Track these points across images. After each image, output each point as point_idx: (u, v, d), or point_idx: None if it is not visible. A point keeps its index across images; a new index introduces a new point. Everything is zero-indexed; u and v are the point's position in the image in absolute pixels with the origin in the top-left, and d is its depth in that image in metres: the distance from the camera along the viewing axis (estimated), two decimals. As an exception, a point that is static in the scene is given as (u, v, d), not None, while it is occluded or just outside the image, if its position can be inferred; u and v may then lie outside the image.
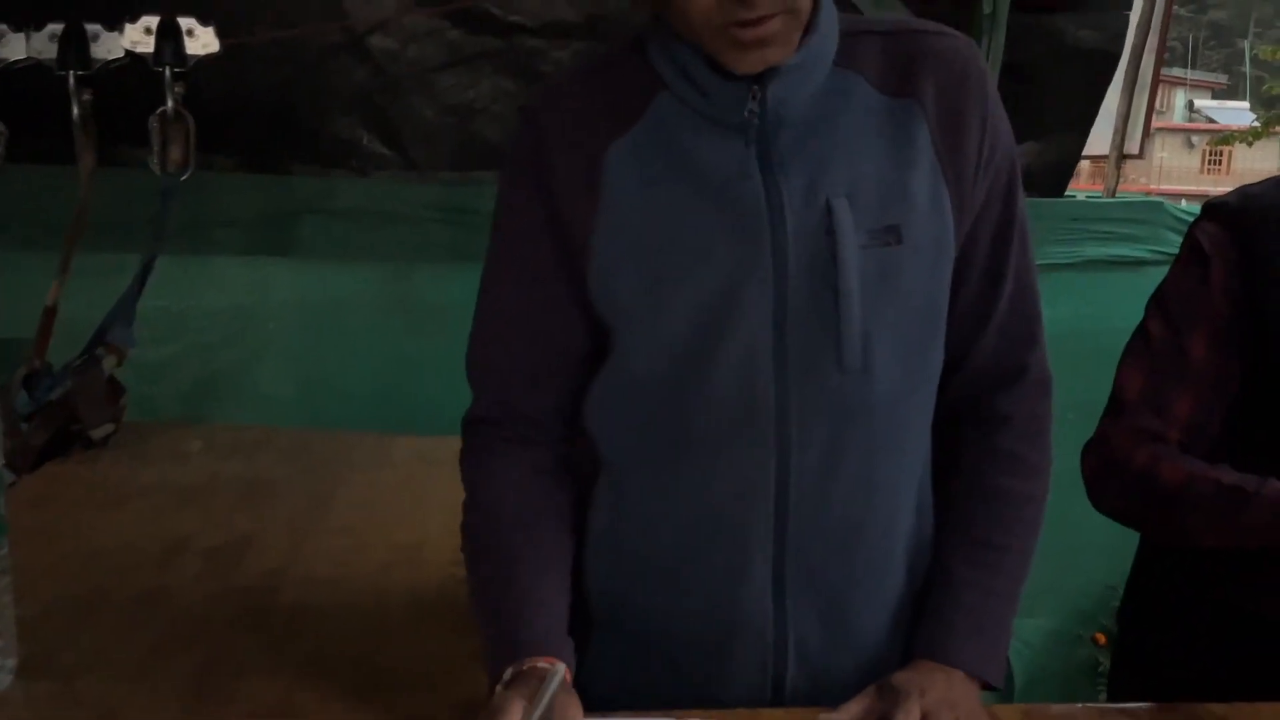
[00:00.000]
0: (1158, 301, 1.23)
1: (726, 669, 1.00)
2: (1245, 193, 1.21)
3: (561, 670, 0.86)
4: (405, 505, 1.58)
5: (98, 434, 1.78)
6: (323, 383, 2.24)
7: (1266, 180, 1.22)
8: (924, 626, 0.99)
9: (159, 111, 1.79)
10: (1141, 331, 1.23)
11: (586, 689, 1.03)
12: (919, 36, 0.95)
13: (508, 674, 0.89)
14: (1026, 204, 1.00)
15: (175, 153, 1.78)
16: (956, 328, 0.99)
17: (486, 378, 1.03)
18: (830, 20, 0.93)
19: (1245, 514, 1.08)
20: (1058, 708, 1.03)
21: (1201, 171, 29.98)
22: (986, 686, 0.98)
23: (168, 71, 1.78)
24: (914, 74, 0.93)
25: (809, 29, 0.90)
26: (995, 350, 1.01)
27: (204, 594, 1.23)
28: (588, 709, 0.94)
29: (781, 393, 0.92)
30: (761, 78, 0.89)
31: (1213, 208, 1.21)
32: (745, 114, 0.90)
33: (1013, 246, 0.98)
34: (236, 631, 1.13)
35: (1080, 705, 1.03)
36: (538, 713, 0.81)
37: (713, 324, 0.91)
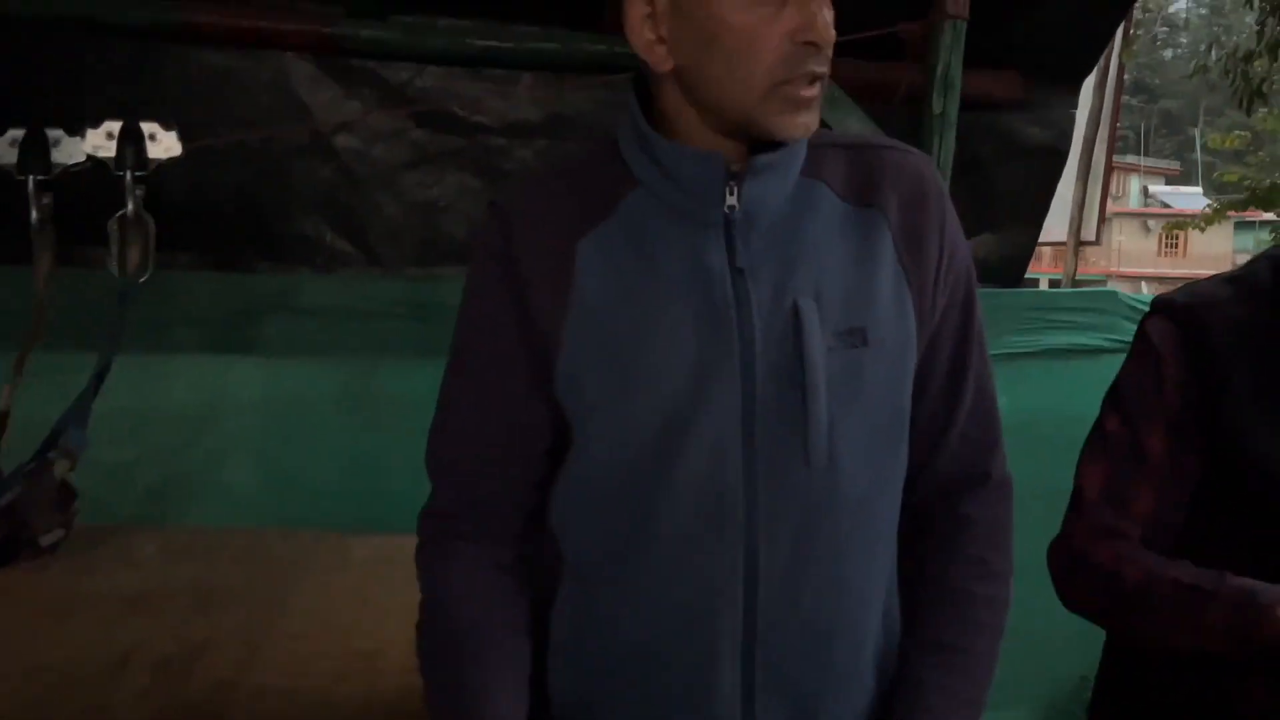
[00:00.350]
0: (1113, 398, 1.25)
1: None
2: (1192, 290, 1.24)
3: None
4: (362, 610, 1.54)
5: (46, 540, 1.73)
6: (284, 481, 2.21)
7: (1213, 278, 1.25)
8: None
9: (118, 215, 1.79)
10: (1099, 428, 1.25)
11: None
12: (881, 151, 0.99)
13: None
14: (984, 295, 1.03)
15: (134, 255, 1.78)
16: (920, 435, 1.01)
17: (447, 469, 1.02)
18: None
19: (1205, 613, 1.07)
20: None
21: (1159, 254, 30.72)
22: None
23: (128, 175, 1.78)
24: (877, 186, 0.96)
25: None
26: (958, 456, 1.03)
27: (149, 711, 1.19)
28: None
29: (750, 490, 0.92)
30: (739, 175, 0.92)
31: (1162, 304, 1.24)
32: (725, 209, 0.92)
33: (972, 355, 1.01)
34: (180, 751, 1.09)
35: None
36: None
37: (680, 420, 0.91)
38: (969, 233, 1.05)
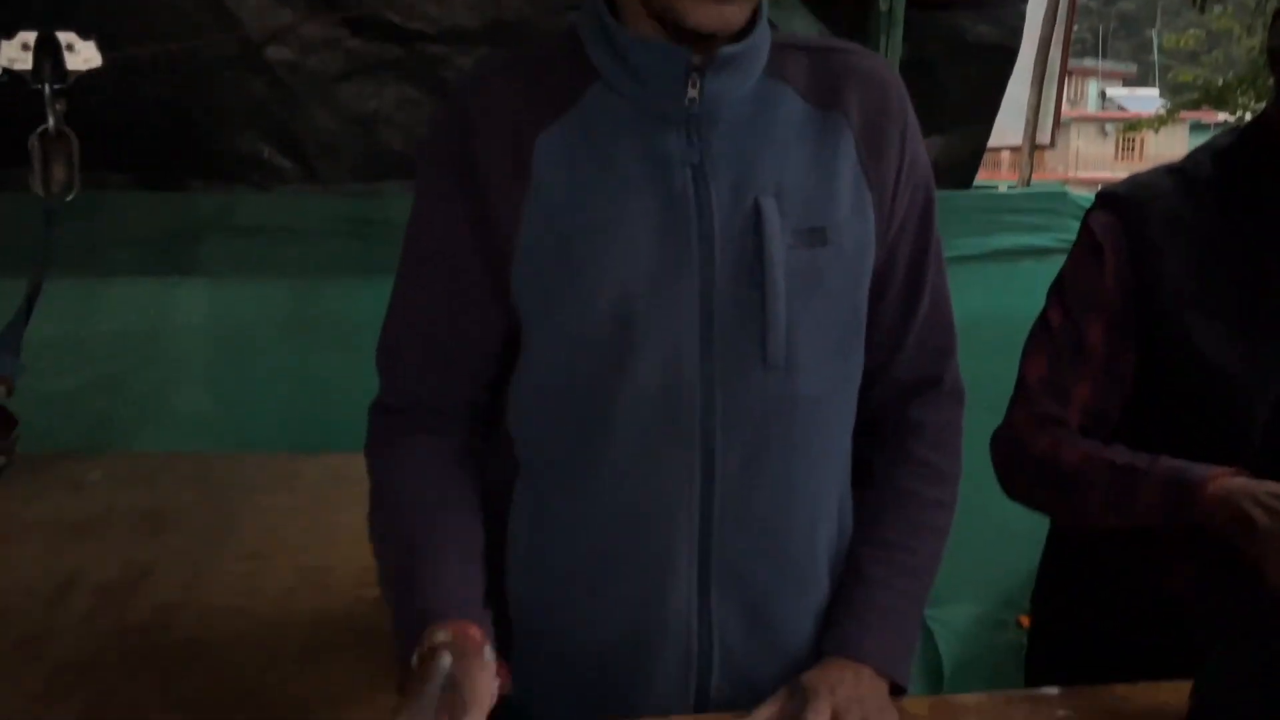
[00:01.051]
0: (1057, 290, 1.25)
1: (650, 676, 0.99)
2: (1135, 181, 1.24)
3: (446, 664, 0.82)
4: (313, 527, 1.54)
5: (-13, 468, 1.70)
6: (229, 405, 2.18)
7: (1157, 168, 1.25)
8: (834, 625, 1.00)
9: (39, 131, 1.72)
10: (1042, 320, 1.26)
11: (508, 700, 1.02)
12: (844, 55, 0.98)
13: (414, 657, 0.85)
14: (935, 196, 1.03)
15: (59, 173, 1.72)
16: (875, 340, 1.02)
17: (396, 365, 1.01)
18: (764, 28, 0.94)
19: (1139, 492, 1.10)
20: (964, 697, 1.02)
21: (1116, 158, 30.85)
22: (895, 689, 0.98)
23: (47, 89, 1.71)
24: (840, 89, 0.96)
25: (751, 24, 0.91)
26: (912, 362, 1.04)
27: (94, 633, 1.18)
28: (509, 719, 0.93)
29: (707, 391, 0.92)
30: (701, 68, 0.90)
31: (1105, 196, 1.24)
32: (685, 102, 0.91)
33: (929, 263, 1.02)
34: (127, 671, 1.08)
35: (986, 694, 1.03)
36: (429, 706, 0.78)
37: (637, 320, 0.91)
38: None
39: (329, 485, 1.73)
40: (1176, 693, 0.99)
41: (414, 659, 0.85)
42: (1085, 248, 1.23)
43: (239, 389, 2.18)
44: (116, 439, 2.14)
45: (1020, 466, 1.23)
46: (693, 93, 0.91)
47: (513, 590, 1.01)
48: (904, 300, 1.02)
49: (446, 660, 0.81)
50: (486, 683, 0.83)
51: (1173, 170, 1.22)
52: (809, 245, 0.93)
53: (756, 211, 0.91)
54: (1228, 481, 1.04)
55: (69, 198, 1.75)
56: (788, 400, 0.95)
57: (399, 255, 1.01)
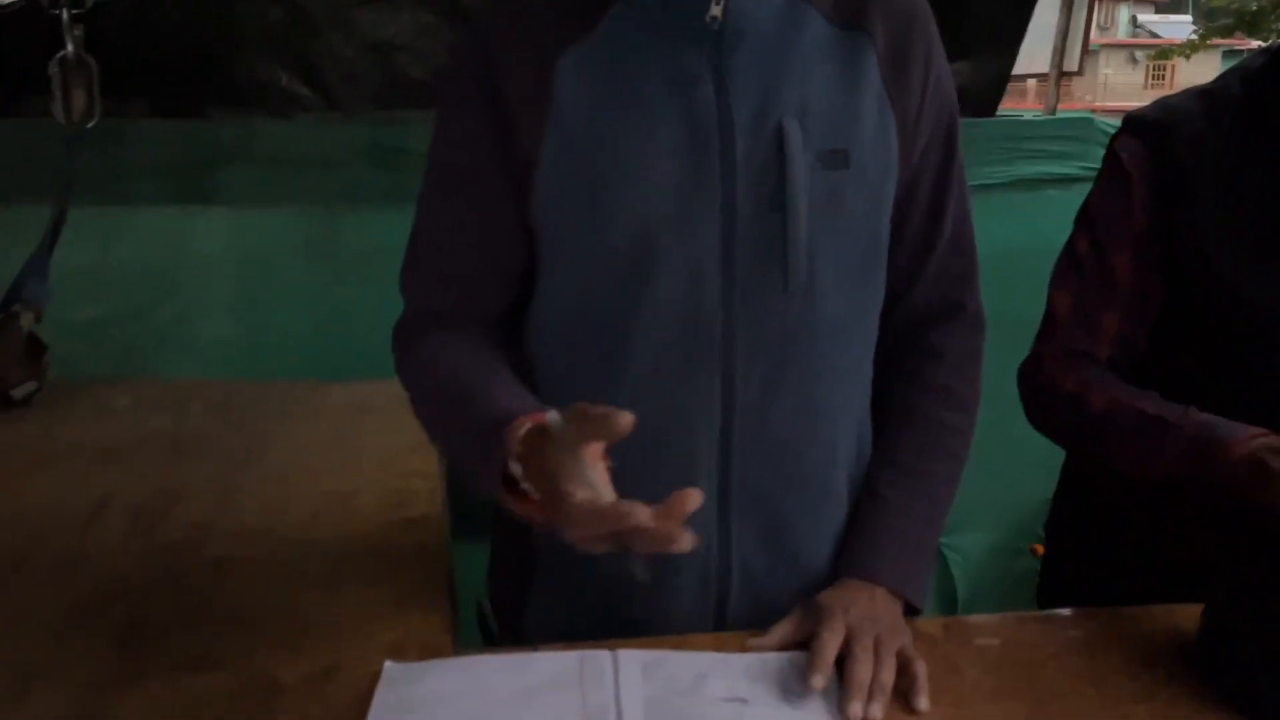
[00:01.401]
0: (1083, 219, 1.24)
1: (670, 595, 1.01)
2: (1164, 105, 1.22)
3: (558, 418, 0.79)
4: (338, 453, 1.56)
5: (19, 393, 1.73)
6: (253, 334, 2.20)
7: (1186, 91, 1.23)
8: (850, 545, 1.02)
9: (58, 57, 1.71)
10: (1069, 250, 1.25)
11: (529, 627, 1.05)
12: None
13: (504, 456, 0.82)
14: (959, 120, 1.02)
15: (79, 100, 1.72)
16: (898, 266, 1.02)
17: (420, 283, 1.03)
18: None
19: (1165, 444, 1.10)
20: (978, 618, 1.04)
21: (1145, 87, 30.09)
22: (910, 610, 1.00)
23: (65, 14, 1.70)
24: (865, 10, 0.95)
25: None
26: (934, 288, 1.05)
27: (127, 552, 1.21)
28: (531, 644, 0.97)
29: (727, 313, 0.93)
30: None
31: (1131, 121, 1.22)
32: (708, 19, 0.90)
33: (953, 188, 1.02)
34: (159, 588, 1.12)
35: (999, 615, 1.05)
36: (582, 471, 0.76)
37: (659, 241, 0.91)
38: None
39: (354, 412, 1.75)
40: (1189, 616, 1.01)
41: (505, 458, 0.82)
42: (1111, 175, 1.21)
43: (262, 318, 2.19)
44: (142, 366, 2.17)
45: (1048, 403, 1.23)
46: (716, 10, 0.90)
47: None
48: (926, 225, 1.02)
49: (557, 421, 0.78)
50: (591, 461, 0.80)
51: (1201, 93, 1.19)
52: (832, 167, 0.93)
53: (779, 133, 0.91)
54: (1255, 442, 1.02)
55: (90, 124, 1.75)
56: (808, 323, 0.95)
57: (418, 183, 1.01)
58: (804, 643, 0.93)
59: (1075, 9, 3.40)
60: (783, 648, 0.94)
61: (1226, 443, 1.04)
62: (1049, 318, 1.24)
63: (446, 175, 0.99)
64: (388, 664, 0.91)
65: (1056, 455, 1.38)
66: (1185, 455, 1.08)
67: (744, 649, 0.95)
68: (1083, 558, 1.34)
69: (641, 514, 0.72)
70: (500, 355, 1.00)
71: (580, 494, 0.75)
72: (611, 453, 0.98)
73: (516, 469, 0.82)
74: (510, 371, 0.97)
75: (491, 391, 0.90)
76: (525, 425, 0.82)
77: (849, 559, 1.01)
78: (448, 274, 1.01)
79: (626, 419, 0.75)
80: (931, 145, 1.00)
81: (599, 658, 0.90)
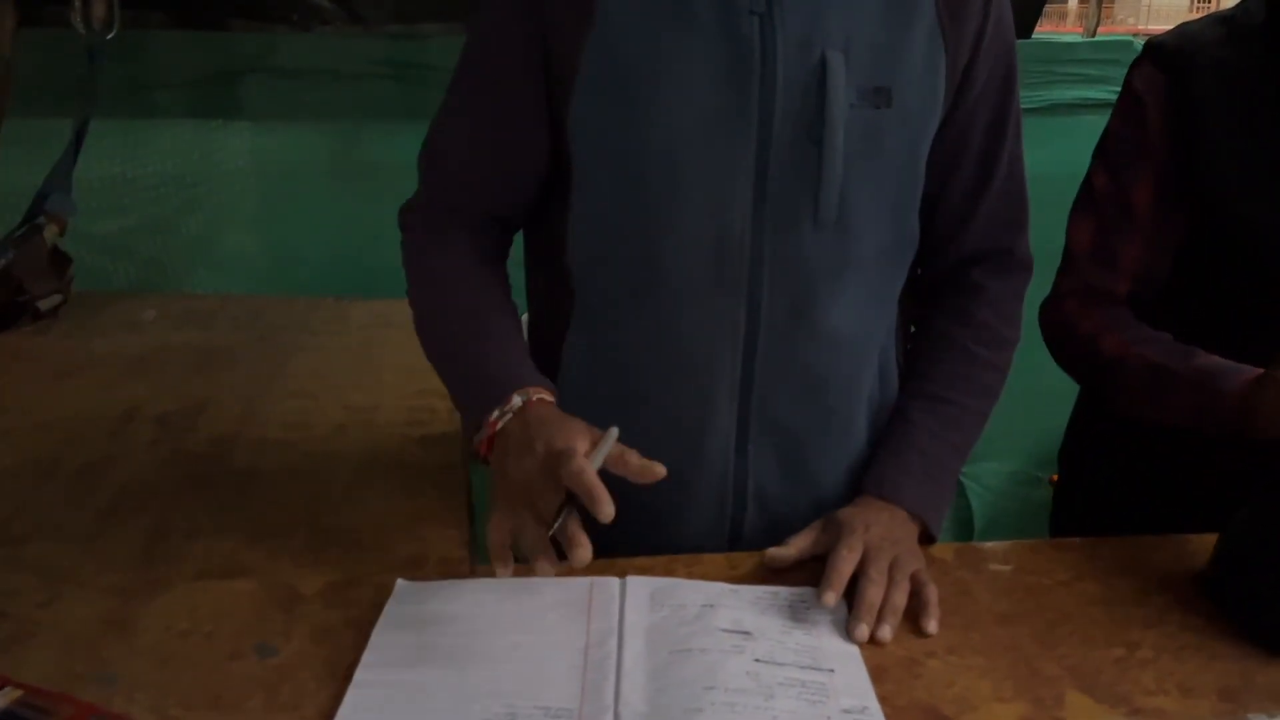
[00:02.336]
0: (1100, 151, 1.21)
1: (688, 511, 1.03)
2: (1182, 31, 1.18)
3: (615, 433, 0.87)
4: (361, 368, 1.58)
5: (46, 305, 1.75)
6: (276, 249, 2.21)
7: (1209, 15, 1.18)
8: (875, 465, 1.03)
9: (77, -35, 1.70)
10: (1087, 183, 1.22)
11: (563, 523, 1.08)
12: None
13: (500, 414, 0.89)
14: (1018, 65, 1.00)
15: (99, 9, 1.70)
16: (947, 209, 1.01)
17: (437, 169, 1.03)
18: None
19: (1168, 393, 1.09)
20: (990, 545, 1.05)
21: (1191, 9, 29.15)
22: (925, 538, 1.00)
23: (83, -78, 1.68)
24: None
25: None
26: (983, 234, 1.04)
27: (155, 460, 1.23)
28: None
29: (756, 242, 0.93)
30: None
31: (1150, 48, 1.18)
32: None
33: (1008, 135, 1.00)
34: (186, 496, 1.14)
35: (1011, 542, 1.06)
36: (600, 455, 0.83)
37: (691, 164, 0.91)
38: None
39: (377, 328, 1.76)
40: (1202, 545, 1.01)
41: (497, 417, 0.89)
42: (1128, 104, 1.18)
43: (284, 233, 2.20)
44: (166, 280, 2.19)
45: (1065, 343, 1.22)
46: None
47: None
48: (978, 171, 1.00)
49: (612, 437, 0.86)
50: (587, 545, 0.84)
51: (1223, 19, 1.15)
52: (873, 105, 0.91)
53: (822, 66, 0.89)
54: (1246, 381, 1.01)
55: (110, 35, 1.74)
56: (837, 258, 0.95)
57: (439, 98, 1.00)
58: (821, 557, 0.94)
59: (1119, -73, 3.27)
60: (800, 559, 0.95)
61: (1228, 393, 1.02)
62: (1067, 254, 1.22)
63: (477, 73, 0.98)
64: (399, 581, 0.93)
65: (1074, 386, 1.37)
66: (1188, 406, 1.07)
67: (763, 560, 0.96)
68: (1096, 487, 1.34)
69: (606, 510, 0.79)
70: (499, 277, 1.03)
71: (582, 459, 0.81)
72: (638, 369, 1.00)
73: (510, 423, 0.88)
74: (508, 305, 1.00)
75: (494, 344, 0.95)
76: (538, 395, 0.90)
77: (873, 478, 1.01)
78: (465, 164, 1.01)
79: (656, 474, 0.84)
80: (987, 90, 0.97)
81: (608, 584, 0.91)
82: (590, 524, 1.06)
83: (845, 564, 0.90)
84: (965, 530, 2.59)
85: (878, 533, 0.94)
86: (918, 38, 0.92)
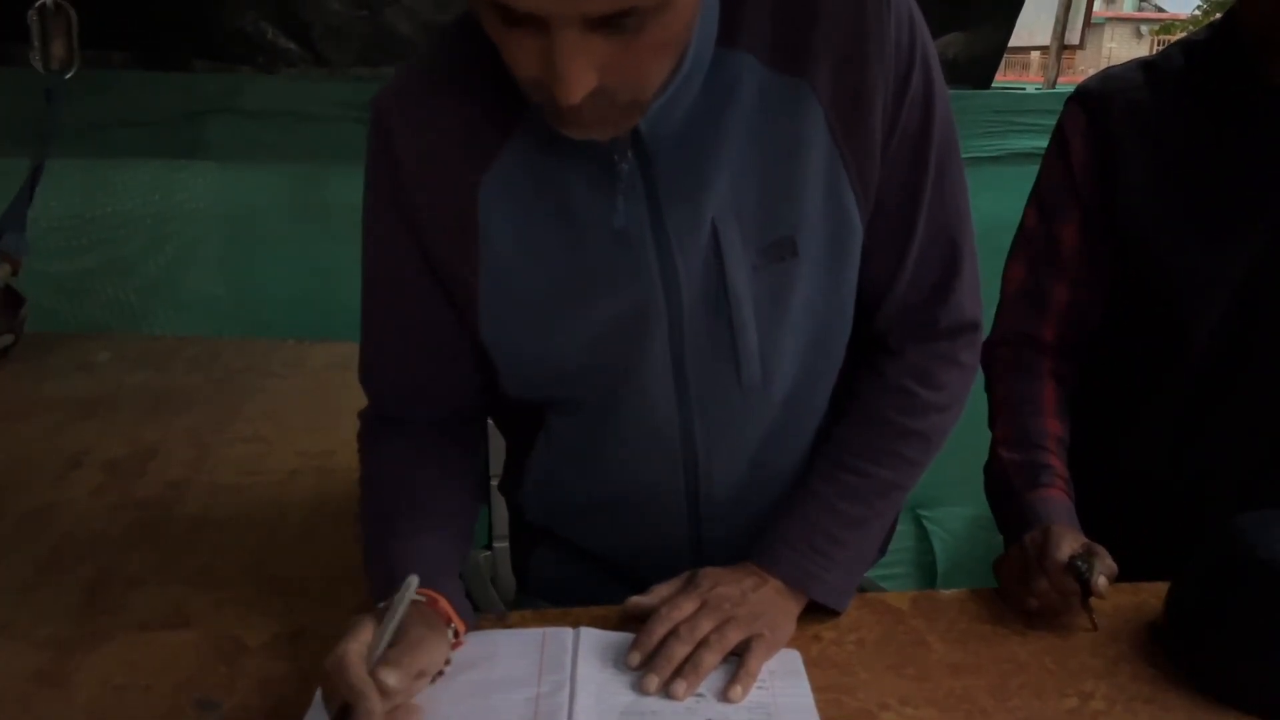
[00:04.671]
0: (1033, 193, 1.24)
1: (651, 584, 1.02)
2: (1107, 75, 1.21)
3: (414, 583, 0.80)
4: (317, 412, 1.56)
5: (-4, 346, 1.72)
6: (235, 290, 2.19)
7: (1131, 61, 1.22)
8: (764, 531, 0.99)
9: (38, 4, 1.68)
10: (1020, 225, 1.25)
11: (530, 584, 1.11)
12: None
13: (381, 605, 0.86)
14: (951, 97, 0.92)
15: (58, 48, 1.69)
16: (868, 282, 0.96)
17: (376, 387, 1.02)
18: (711, 13, 0.82)
19: (1000, 501, 1.14)
20: (945, 593, 1.05)
21: (1150, 61, 29.84)
22: (821, 608, 0.97)
23: (44, -39, 1.67)
24: (805, 43, 0.83)
25: (679, 62, 0.80)
26: (906, 301, 0.98)
27: (100, 507, 1.21)
28: (532, 598, 1.03)
29: (685, 418, 0.94)
30: (627, 137, 0.82)
31: (1077, 91, 1.21)
32: (619, 168, 0.83)
33: (925, 194, 0.92)
34: (131, 544, 1.11)
35: (967, 590, 1.05)
36: (388, 630, 0.77)
37: (610, 363, 0.91)
38: (937, 33, 0.98)
39: (334, 371, 1.74)
40: (1155, 593, 1.01)
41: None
42: (1056, 145, 1.21)
43: (245, 274, 2.18)
44: (126, 321, 2.16)
45: (989, 393, 1.25)
46: (624, 163, 0.83)
47: (530, 514, 1.08)
48: (894, 240, 0.94)
49: (409, 591, 0.79)
50: (439, 650, 0.81)
51: (1145, 64, 1.19)
52: (776, 260, 0.88)
53: (715, 236, 0.85)
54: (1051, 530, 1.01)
55: (69, 74, 1.73)
56: (763, 407, 0.96)
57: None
58: None
59: (1077, -18, 3.36)
60: (658, 608, 0.91)
61: (1029, 540, 1.01)
62: (1001, 295, 1.25)
63: (379, 286, 0.95)
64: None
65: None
66: (1002, 523, 1.12)
67: (624, 608, 0.93)
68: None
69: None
70: (450, 453, 0.99)
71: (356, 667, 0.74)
72: (597, 508, 1.02)
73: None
74: (446, 487, 0.96)
75: (404, 549, 0.88)
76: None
77: (757, 545, 0.97)
78: (398, 378, 0.99)
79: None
80: (897, 162, 0.89)
81: (561, 636, 0.90)
82: (567, 581, 1.08)
83: (659, 623, 0.87)
84: (928, 574, 2.59)
85: (721, 592, 0.90)
86: (815, 172, 0.86)
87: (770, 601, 0.92)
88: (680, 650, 0.85)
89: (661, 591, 0.94)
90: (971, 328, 1.01)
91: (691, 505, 1.00)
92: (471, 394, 1.00)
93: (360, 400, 1.55)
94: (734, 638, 0.87)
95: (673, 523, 1.01)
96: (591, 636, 0.91)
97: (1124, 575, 1.04)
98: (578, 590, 1.06)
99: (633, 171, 0.84)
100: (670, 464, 0.97)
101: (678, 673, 0.84)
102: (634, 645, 0.87)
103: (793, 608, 0.94)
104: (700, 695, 0.84)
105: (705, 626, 0.87)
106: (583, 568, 1.08)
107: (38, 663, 0.88)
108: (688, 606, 0.89)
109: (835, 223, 0.89)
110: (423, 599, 0.83)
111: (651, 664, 0.84)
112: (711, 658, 0.85)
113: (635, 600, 0.93)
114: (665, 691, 0.83)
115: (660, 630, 0.87)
